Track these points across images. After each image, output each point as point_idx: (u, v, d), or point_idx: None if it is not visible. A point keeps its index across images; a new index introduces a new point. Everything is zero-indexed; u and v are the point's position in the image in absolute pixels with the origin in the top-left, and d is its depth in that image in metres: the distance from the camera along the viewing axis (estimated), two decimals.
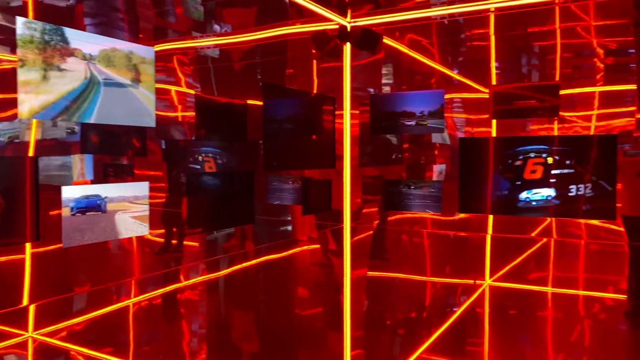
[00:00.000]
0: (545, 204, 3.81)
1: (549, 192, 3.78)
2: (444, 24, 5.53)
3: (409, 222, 7.44)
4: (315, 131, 4.12)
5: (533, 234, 7.45)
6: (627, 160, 3.80)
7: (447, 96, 4.58)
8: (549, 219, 7.01)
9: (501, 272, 6.49)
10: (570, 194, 3.71)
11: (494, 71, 5.88)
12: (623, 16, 5.61)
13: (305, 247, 7.73)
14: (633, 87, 6.25)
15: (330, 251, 6.75)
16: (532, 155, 3.81)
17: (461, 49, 6.39)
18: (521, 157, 3.89)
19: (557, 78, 6.57)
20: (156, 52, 2.97)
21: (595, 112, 6.76)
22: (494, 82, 5.88)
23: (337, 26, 4.28)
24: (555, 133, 6.71)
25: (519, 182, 3.89)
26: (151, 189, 3.09)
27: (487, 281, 6.14)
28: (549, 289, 6.22)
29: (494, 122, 6.06)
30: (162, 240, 5.51)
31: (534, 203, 3.85)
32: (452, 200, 4.18)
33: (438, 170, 5.27)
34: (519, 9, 4.08)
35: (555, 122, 6.58)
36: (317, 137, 4.17)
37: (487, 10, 4.34)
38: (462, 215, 4.75)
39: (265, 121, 3.45)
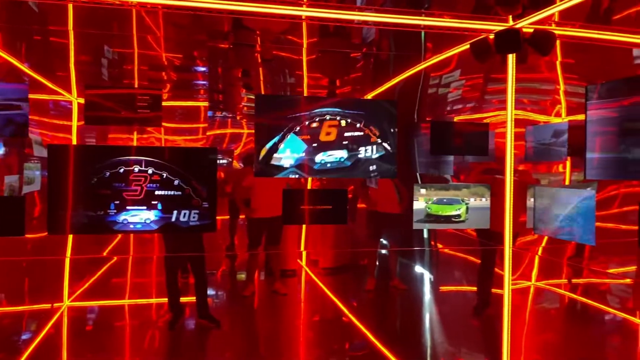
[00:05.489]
0: (154, 224, 3.66)
1: (148, 215, 3.66)
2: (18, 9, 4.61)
3: None
4: None
5: (105, 253, 7.31)
6: None
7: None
8: (120, 236, 6.99)
9: (79, 291, 6.24)
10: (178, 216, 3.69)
11: (73, 72, 5.33)
12: (196, 32, 6.03)
13: None
14: (204, 104, 6.94)
15: None
16: (136, 169, 3.60)
17: (36, 40, 5.52)
18: (121, 169, 3.63)
19: (136, 86, 6.55)
20: None
21: (171, 125, 7.13)
22: (73, 83, 5.35)
23: None
24: (135, 143, 6.71)
25: (117, 201, 3.60)
26: None
27: (66, 302, 5.78)
28: (125, 302, 6.28)
29: (74, 129, 5.51)
30: None
31: (135, 226, 3.64)
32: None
33: (8, 182, 4.31)
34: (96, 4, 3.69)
35: (135, 132, 6.57)
36: None
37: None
38: None
39: None
